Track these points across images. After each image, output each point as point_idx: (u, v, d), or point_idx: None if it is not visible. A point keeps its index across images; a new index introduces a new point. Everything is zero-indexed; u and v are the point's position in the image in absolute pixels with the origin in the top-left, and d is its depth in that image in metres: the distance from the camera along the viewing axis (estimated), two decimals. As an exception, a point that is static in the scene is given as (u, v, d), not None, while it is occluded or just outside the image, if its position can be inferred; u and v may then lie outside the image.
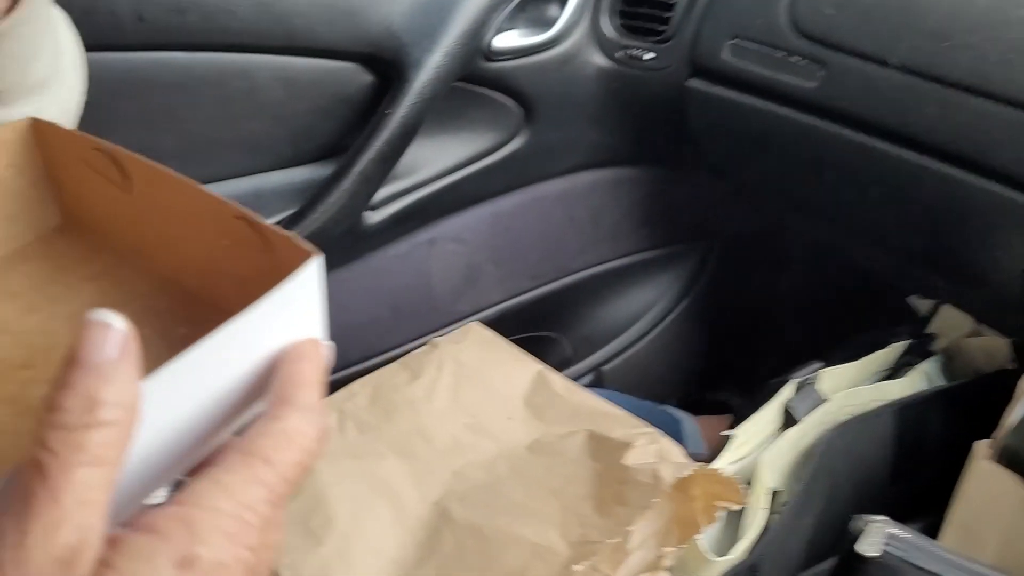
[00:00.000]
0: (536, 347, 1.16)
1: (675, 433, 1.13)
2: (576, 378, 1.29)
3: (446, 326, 1.19)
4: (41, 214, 0.46)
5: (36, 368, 0.39)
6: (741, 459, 0.81)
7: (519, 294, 1.25)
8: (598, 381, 1.32)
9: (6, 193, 0.44)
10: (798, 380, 0.87)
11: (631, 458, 0.72)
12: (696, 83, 1.06)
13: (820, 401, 0.85)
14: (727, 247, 1.34)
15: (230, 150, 0.97)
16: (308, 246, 0.35)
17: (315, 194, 0.98)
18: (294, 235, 0.36)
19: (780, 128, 0.99)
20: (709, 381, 1.42)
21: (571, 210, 1.23)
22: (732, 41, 1.01)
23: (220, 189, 0.97)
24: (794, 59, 0.95)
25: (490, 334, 0.94)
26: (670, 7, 1.06)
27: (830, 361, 0.96)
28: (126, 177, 0.42)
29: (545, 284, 1.26)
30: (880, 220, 0.99)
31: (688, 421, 1.20)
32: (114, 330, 0.27)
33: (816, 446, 0.85)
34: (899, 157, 0.89)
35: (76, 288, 0.43)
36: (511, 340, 0.95)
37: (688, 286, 1.35)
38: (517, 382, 0.87)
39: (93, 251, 0.45)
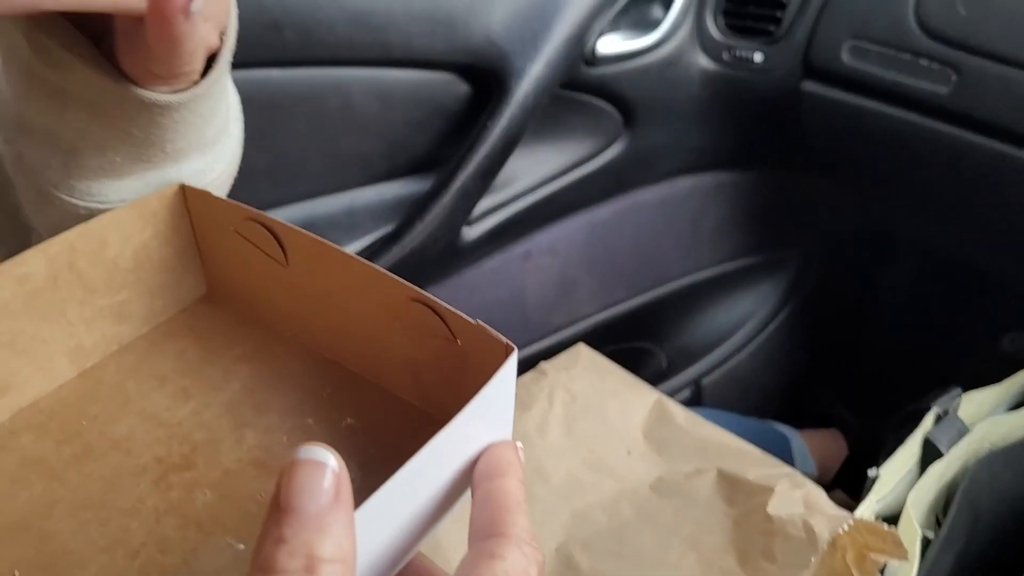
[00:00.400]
0: (631, 359, 1.12)
1: (785, 452, 1.08)
2: (673, 392, 1.24)
3: (540, 339, 1.15)
4: (186, 285, 0.43)
5: (198, 469, 0.36)
6: (883, 498, 0.75)
7: (614, 305, 1.20)
8: (696, 395, 1.27)
9: (152, 265, 0.41)
10: (938, 409, 0.81)
11: (775, 506, 0.67)
12: (811, 86, 0.99)
13: (964, 431, 0.80)
14: (831, 250, 1.27)
15: (323, 166, 0.94)
16: (503, 339, 0.32)
17: (412, 212, 0.94)
18: (485, 325, 0.33)
19: (905, 133, 0.93)
20: (811, 391, 1.36)
21: (669, 216, 1.17)
22: (852, 42, 0.95)
23: (312, 207, 0.94)
24: (923, 62, 0.89)
25: (600, 359, 0.90)
26: (782, 6, 1.00)
27: (965, 381, 0.90)
28: (283, 249, 0.39)
29: (641, 294, 1.21)
30: (1012, 225, 0.92)
31: (796, 439, 1.14)
32: (328, 470, 0.24)
33: (959, 480, 0.79)
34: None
35: (230, 371, 0.40)
36: (605, 352, 0.90)
37: (790, 292, 1.29)
38: (634, 413, 0.83)
39: (242, 326, 0.42)
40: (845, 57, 0.95)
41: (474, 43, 0.90)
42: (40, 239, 0.39)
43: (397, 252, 0.94)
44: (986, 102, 0.85)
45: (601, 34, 0.97)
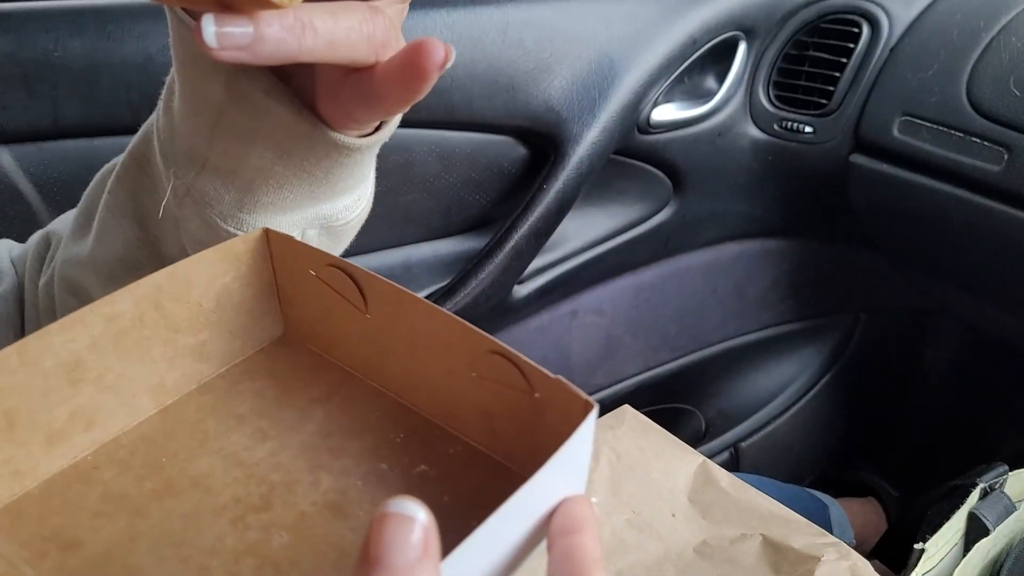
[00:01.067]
0: (671, 420, 1.13)
1: (823, 520, 1.07)
2: (711, 455, 1.24)
3: (582, 398, 1.16)
4: (264, 326, 0.45)
5: (275, 511, 0.37)
6: (928, 571, 0.75)
7: (656, 366, 1.21)
8: (735, 458, 1.27)
9: (232, 306, 0.43)
10: (984, 484, 0.81)
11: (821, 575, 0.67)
12: (860, 159, 1.01)
13: (1011, 508, 0.79)
14: (875, 320, 1.28)
15: (382, 223, 0.96)
16: (584, 395, 0.33)
17: (467, 269, 0.97)
18: (565, 380, 0.34)
19: (955, 209, 0.94)
20: (850, 460, 1.35)
21: (714, 281, 1.19)
22: (903, 118, 0.96)
23: (368, 261, 0.96)
24: (974, 140, 0.90)
25: (645, 420, 0.90)
26: (833, 80, 1.02)
27: (1008, 459, 0.90)
28: (363, 296, 0.40)
29: (683, 356, 1.22)
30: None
31: (835, 507, 1.14)
32: (417, 524, 0.25)
33: (1003, 557, 0.79)
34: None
35: (306, 412, 0.41)
36: (645, 412, 0.91)
37: (832, 360, 1.29)
38: (679, 475, 0.83)
39: (318, 368, 0.44)
40: (896, 132, 0.97)
41: (533, 108, 0.93)
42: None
43: (450, 308, 0.96)
44: (1037, 182, 0.86)
45: (656, 103, 1.00)
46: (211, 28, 0.30)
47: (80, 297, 0.47)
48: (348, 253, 0.99)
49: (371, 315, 0.41)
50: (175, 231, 0.44)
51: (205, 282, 0.41)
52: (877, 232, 1.08)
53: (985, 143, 0.89)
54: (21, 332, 0.51)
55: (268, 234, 0.43)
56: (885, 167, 0.99)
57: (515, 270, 0.98)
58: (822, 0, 1.02)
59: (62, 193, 0.79)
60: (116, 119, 0.79)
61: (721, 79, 1.04)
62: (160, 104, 0.42)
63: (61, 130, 0.77)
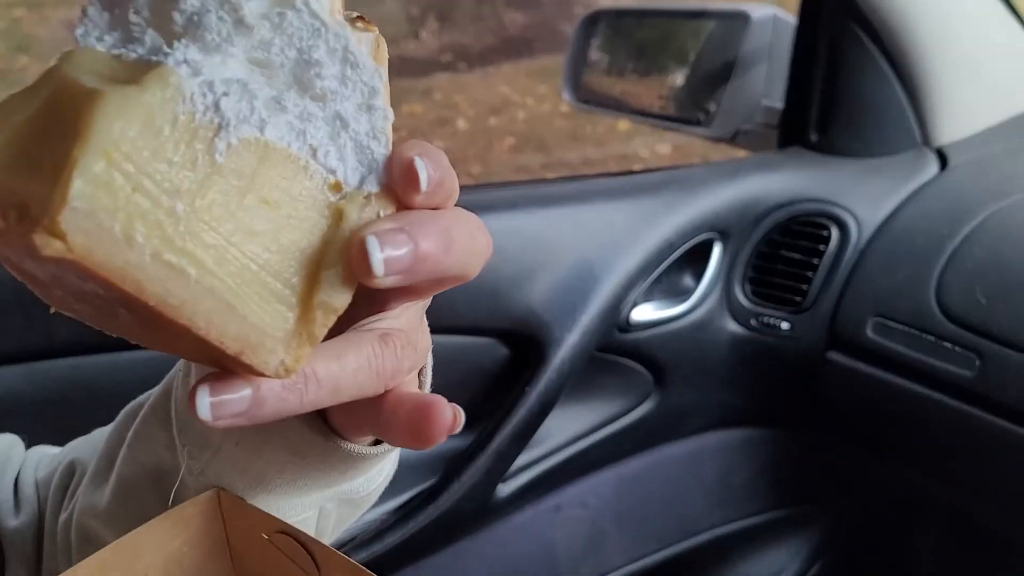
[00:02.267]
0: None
1: None
2: (702, 649, 1.21)
3: (567, 593, 1.14)
4: None
5: None
6: None
7: (642, 557, 1.19)
8: (725, 653, 1.23)
9: (181, 569, 0.43)
10: None
11: None
12: (836, 356, 1.03)
13: None
14: (861, 509, 1.27)
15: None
16: None
17: (449, 471, 0.97)
18: None
19: (931, 411, 0.95)
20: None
21: (699, 471, 1.19)
22: (876, 319, 0.99)
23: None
24: (946, 345, 0.92)
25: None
26: (807, 279, 1.05)
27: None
28: (316, 565, 0.41)
29: (669, 546, 1.21)
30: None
31: None
32: None
33: None
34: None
35: None
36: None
37: (820, 549, 1.27)
38: None
39: None
40: (870, 332, 0.99)
41: (516, 312, 0.95)
42: None
43: (432, 511, 0.95)
44: (1009, 389, 0.88)
45: (635, 304, 1.02)
46: (206, 400, 0.28)
47: (97, 547, 0.47)
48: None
49: None
50: (187, 490, 0.42)
51: (152, 551, 0.41)
52: (857, 426, 1.09)
53: (957, 348, 0.92)
54: (36, 568, 0.50)
55: (220, 494, 0.43)
56: (861, 366, 1.01)
57: (498, 471, 0.98)
58: (792, 204, 1.06)
59: (57, 410, 0.80)
60: (109, 336, 0.80)
61: (698, 278, 1.07)
62: (178, 371, 0.41)
63: (54, 350, 0.79)
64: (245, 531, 0.43)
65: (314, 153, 0.28)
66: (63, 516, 0.48)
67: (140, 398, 0.47)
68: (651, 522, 1.19)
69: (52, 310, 0.29)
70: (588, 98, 1.36)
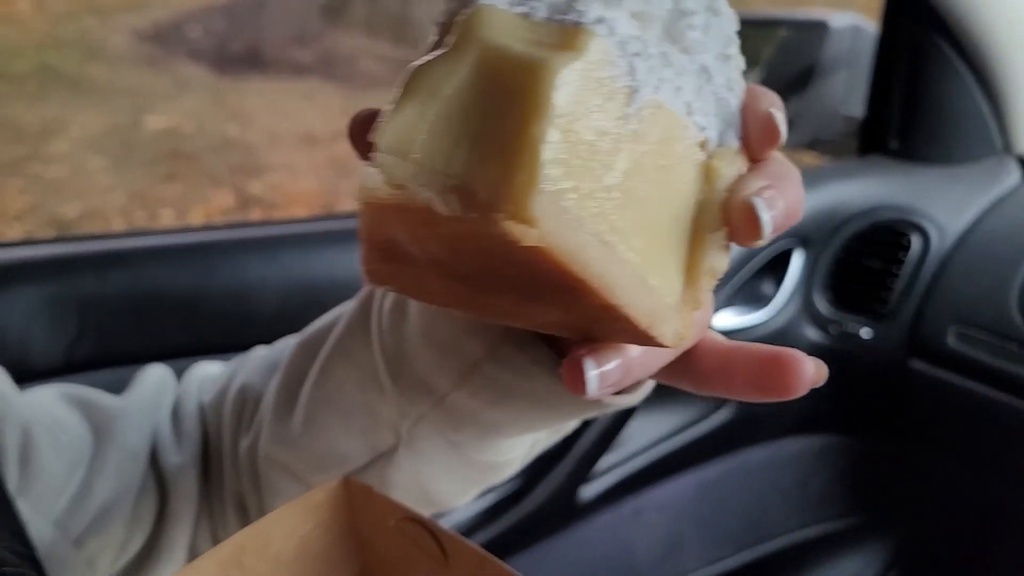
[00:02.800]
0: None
1: None
2: (779, 653, 1.22)
3: (646, 595, 1.16)
4: (343, 571, 0.47)
5: None
6: None
7: (719, 560, 1.21)
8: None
9: (311, 555, 0.45)
10: None
11: None
12: (918, 364, 1.04)
13: None
14: (940, 518, 1.27)
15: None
16: None
17: (534, 472, 0.99)
18: None
19: (1011, 418, 0.95)
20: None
21: (777, 476, 1.20)
22: (958, 327, 0.99)
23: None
24: (1031, 353, 0.93)
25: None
26: (888, 287, 1.06)
27: None
28: (443, 550, 0.42)
29: (746, 550, 1.22)
30: None
31: None
32: None
33: None
34: None
35: None
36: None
37: (896, 556, 1.27)
38: None
39: None
40: (951, 341, 1.00)
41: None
42: (394, 469, 0.42)
43: (518, 512, 0.98)
44: (1097, 397, 0.88)
45: (716, 310, 1.04)
46: (594, 372, 0.28)
47: (290, 476, 0.47)
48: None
49: (450, 569, 0.43)
50: (392, 434, 0.42)
51: (284, 535, 0.43)
52: (938, 433, 1.09)
53: (1042, 356, 0.92)
54: (201, 503, 0.51)
55: (348, 484, 0.45)
56: (943, 373, 1.01)
57: (581, 473, 1.01)
58: (872, 212, 1.07)
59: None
60: (212, 342, 0.84)
61: (778, 285, 1.08)
62: (376, 314, 0.40)
63: (162, 354, 0.83)
64: (373, 518, 0.45)
65: (689, 110, 0.27)
66: (245, 442, 0.48)
67: (314, 327, 0.46)
68: (729, 527, 1.20)
69: (378, 292, 0.28)
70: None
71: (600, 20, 0.24)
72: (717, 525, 1.18)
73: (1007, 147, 1.08)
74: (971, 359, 0.98)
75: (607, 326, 0.27)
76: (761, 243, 0.27)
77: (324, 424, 0.44)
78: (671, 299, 0.27)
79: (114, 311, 0.81)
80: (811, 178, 1.10)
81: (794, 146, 1.22)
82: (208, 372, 0.56)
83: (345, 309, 0.44)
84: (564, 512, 1.03)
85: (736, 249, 1.06)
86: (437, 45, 0.25)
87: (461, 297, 0.28)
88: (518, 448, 0.43)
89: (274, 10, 4.74)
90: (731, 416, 1.12)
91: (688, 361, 0.33)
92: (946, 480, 1.18)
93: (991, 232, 1.03)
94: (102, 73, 3.95)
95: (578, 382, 0.28)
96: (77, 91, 3.66)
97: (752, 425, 1.14)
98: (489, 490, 1.00)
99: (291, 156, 3.22)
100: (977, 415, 1.00)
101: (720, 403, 1.11)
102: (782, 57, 1.29)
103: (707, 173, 0.27)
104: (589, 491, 1.05)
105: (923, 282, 1.04)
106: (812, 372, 0.32)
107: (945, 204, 1.06)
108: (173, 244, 0.86)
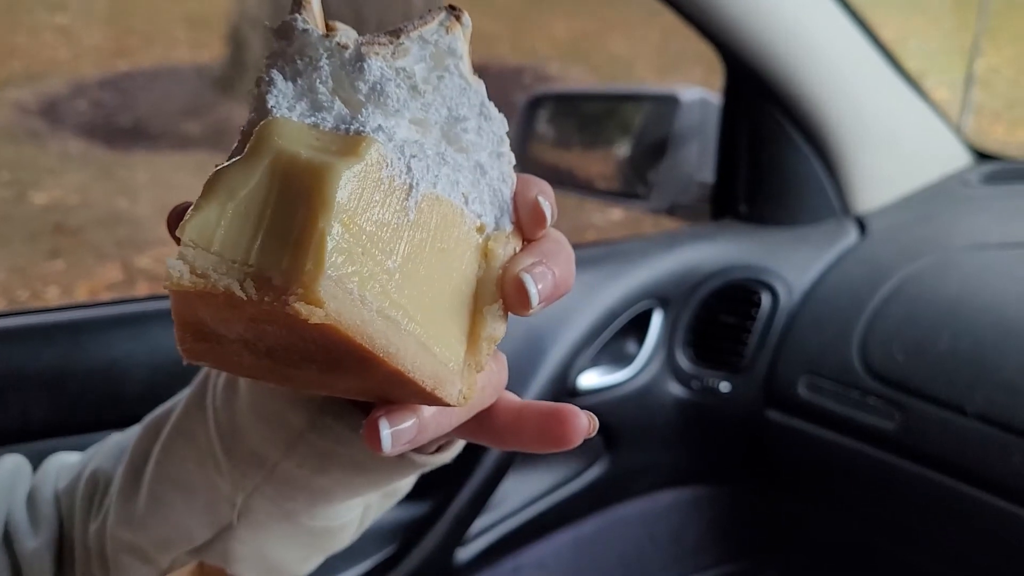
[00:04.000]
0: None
1: None
2: None
3: (529, 655, 1.17)
4: None
5: None
6: None
7: (601, 616, 1.23)
8: None
9: None
10: None
11: None
12: (774, 414, 1.09)
13: None
14: (812, 560, 1.32)
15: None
16: None
17: (409, 536, 1.01)
18: None
19: (860, 462, 1.02)
20: None
21: (652, 529, 1.24)
22: (807, 377, 1.06)
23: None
24: (870, 399, 0.99)
25: None
26: (743, 342, 1.12)
27: None
28: None
29: (627, 604, 1.25)
30: (964, 557, 0.99)
31: None
32: None
33: None
34: (982, 500, 0.91)
35: None
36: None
37: (772, 601, 1.32)
38: None
39: None
40: (802, 390, 1.06)
41: (468, 383, 1.00)
42: (236, 542, 0.44)
43: (394, 577, 0.99)
44: (928, 439, 0.95)
45: (581, 371, 1.08)
46: (387, 431, 0.31)
47: (137, 556, 0.48)
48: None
49: None
50: (230, 509, 0.44)
51: None
52: (798, 480, 1.15)
53: (879, 401, 0.98)
54: None
55: (202, 567, 0.47)
56: (796, 422, 1.07)
57: (456, 535, 1.03)
58: (726, 272, 1.13)
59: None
60: (80, 420, 0.84)
61: (641, 344, 1.13)
62: (211, 392, 0.43)
63: (28, 433, 0.82)
64: None
65: (466, 201, 0.31)
66: (94, 525, 0.50)
67: (158, 411, 0.49)
68: (608, 581, 1.23)
69: (187, 363, 0.31)
70: (534, 174, 1.43)
71: (379, 128, 0.29)
72: (597, 580, 1.21)
73: (845, 209, 1.17)
74: (820, 407, 1.04)
75: (399, 390, 0.31)
76: (531, 313, 0.32)
77: (167, 502, 0.46)
78: (454, 364, 0.31)
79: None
80: (669, 241, 1.17)
81: (654, 211, 1.29)
82: (65, 461, 0.57)
83: (185, 391, 0.47)
84: (442, 575, 1.04)
85: (600, 309, 1.10)
86: (238, 151, 0.29)
87: (270, 370, 0.31)
88: (351, 512, 0.45)
89: (164, 83, 4.72)
90: (603, 472, 1.15)
91: (486, 419, 0.37)
92: (809, 524, 1.24)
93: (833, 288, 1.10)
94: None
95: (375, 440, 0.32)
96: (-43, 166, 3.57)
97: (624, 480, 1.18)
98: (363, 557, 1.01)
99: (182, 228, 3.17)
100: (828, 460, 1.06)
101: (592, 460, 1.15)
102: (645, 129, 1.37)
103: (484, 253, 0.32)
104: (466, 553, 1.07)
105: (774, 336, 1.11)
106: (585, 424, 0.35)
107: (791, 263, 1.13)
108: (37, 323, 0.86)
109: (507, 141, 0.33)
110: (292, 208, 0.26)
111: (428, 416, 0.33)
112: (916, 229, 1.12)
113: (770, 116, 1.12)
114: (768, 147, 1.15)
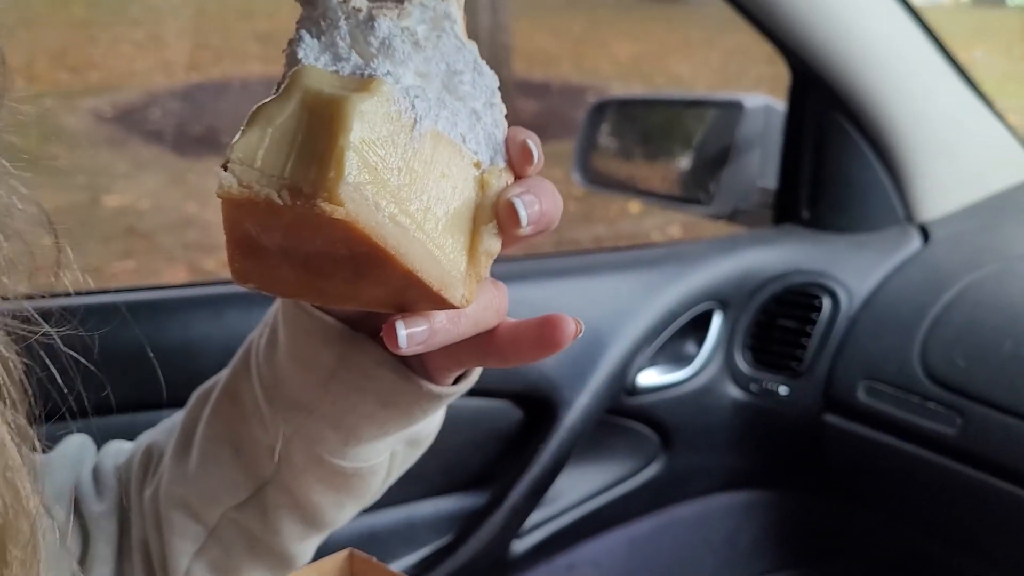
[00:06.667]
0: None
1: None
2: None
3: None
4: None
5: None
6: None
7: (654, 616, 1.24)
8: None
9: None
10: None
11: None
12: (832, 418, 1.10)
13: None
14: (867, 568, 1.31)
15: (389, 481, 1.04)
16: None
17: (466, 526, 1.03)
18: None
19: (919, 468, 1.01)
20: None
21: (706, 532, 1.24)
22: (866, 382, 1.06)
23: (373, 519, 1.02)
24: (930, 405, 0.99)
25: None
26: (802, 346, 1.12)
27: None
28: None
29: (680, 607, 1.25)
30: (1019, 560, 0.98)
31: None
32: None
33: None
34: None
35: None
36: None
37: (825, 610, 1.31)
38: None
39: None
40: (861, 395, 1.06)
41: (529, 376, 1.02)
42: (276, 491, 0.49)
43: (450, 565, 1.01)
44: (989, 444, 0.94)
45: (640, 369, 1.10)
46: (403, 332, 0.37)
47: (187, 512, 0.53)
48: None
49: None
50: (270, 458, 0.50)
51: None
52: (854, 485, 1.15)
53: (940, 407, 0.98)
54: (119, 549, 0.57)
55: (352, 555, 0.49)
56: (855, 427, 1.07)
57: (513, 527, 1.04)
58: (786, 276, 1.14)
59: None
60: (156, 397, 0.88)
61: (700, 345, 1.14)
62: (255, 353, 0.49)
63: (107, 408, 0.86)
64: None
65: (463, 139, 0.37)
66: (148, 492, 0.56)
67: (205, 385, 0.55)
68: (662, 582, 1.23)
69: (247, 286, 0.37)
70: (596, 179, 1.46)
71: (388, 73, 0.35)
72: (650, 580, 1.22)
73: (909, 216, 1.17)
74: (879, 412, 1.04)
75: (413, 295, 0.36)
76: (521, 233, 0.37)
77: (216, 456, 0.52)
78: (456, 272, 0.36)
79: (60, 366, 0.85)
80: (730, 244, 1.18)
81: (716, 216, 1.30)
82: (121, 446, 0.64)
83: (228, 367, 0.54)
84: (497, 566, 1.06)
85: (660, 309, 1.12)
86: (275, 93, 0.35)
87: (306, 286, 0.37)
88: (379, 456, 0.50)
89: (234, 95, 4.84)
90: (659, 472, 1.16)
91: (490, 341, 0.42)
92: (865, 531, 1.23)
93: (895, 294, 1.10)
94: (61, 153, 4.00)
95: (392, 339, 0.37)
96: (37, 168, 3.70)
97: (680, 481, 1.19)
98: (422, 543, 1.03)
99: (248, 234, 3.25)
100: (886, 466, 1.06)
101: (649, 460, 1.16)
102: (708, 135, 1.38)
103: (481, 184, 0.38)
104: (521, 546, 1.08)
105: (834, 341, 1.11)
106: (573, 327, 0.40)
107: (853, 269, 1.14)
108: (120, 302, 0.90)
109: (498, 94, 0.39)
110: (318, 132, 0.32)
111: (438, 324, 0.38)
112: (980, 237, 1.12)
113: (835, 122, 1.13)
114: (832, 153, 1.16)
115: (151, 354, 0.88)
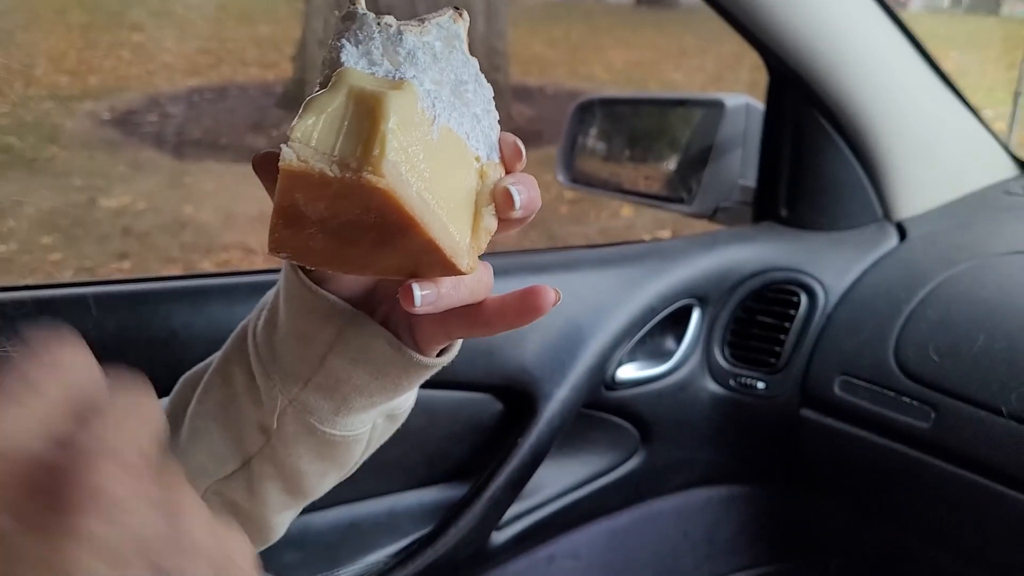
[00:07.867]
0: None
1: None
2: None
3: (561, 644, 1.19)
4: None
5: None
6: None
7: (634, 610, 1.25)
8: None
9: None
10: None
11: None
12: (809, 413, 1.11)
13: None
14: (844, 562, 1.33)
15: (370, 473, 1.04)
16: None
17: (446, 517, 1.04)
18: None
19: (894, 461, 1.02)
20: None
21: (686, 526, 1.25)
22: (842, 377, 1.07)
23: (357, 509, 1.04)
24: (905, 399, 1.00)
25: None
26: (779, 341, 1.14)
27: None
28: None
29: (660, 601, 1.26)
30: (997, 557, 0.99)
31: None
32: None
33: None
34: (1016, 500, 0.91)
35: None
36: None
37: (806, 605, 1.33)
38: None
39: None
40: (837, 390, 1.07)
41: (509, 370, 1.04)
42: (262, 462, 0.53)
43: (431, 555, 1.02)
44: (963, 438, 0.95)
45: (620, 364, 1.11)
46: (418, 292, 0.43)
47: None
48: (337, 502, 1.06)
49: None
50: (260, 433, 0.54)
51: None
52: (831, 480, 1.16)
53: (914, 402, 1.00)
54: None
55: None
56: (831, 421, 1.09)
57: (492, 518, 1.06)
58: (764, 273, 1.16)
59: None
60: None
61: (679, 340, 1.16)
62: (252, 334, 0.54)
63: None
64: None
65: (468, 137, 0.44)
66: None
67: (193, 370, 0.60)
68: (641, 575, 1.25)
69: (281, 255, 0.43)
70: (580, 179, 1.47)
71: (413, 77, 0.43)
72: (629, 573, 1.23)
73: (886, 214, 1.18)
74: (855, 407, 1.06)
75: (427, 261, 0.42)
76: (514, 215, 0.44)
77: (206, 431, 0.56)
78: (464, 244, 0.43)
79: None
80: (709, 242, 1.20)
81: (697, 215, 1.32)
82: None
83: (215, 355, 0.58)
84: (477, 556, 1.07)
85: (640, 305, 1.14)
86: (321, 87, 0.42)
87: (333, 253, 0.43)
88: (363, 426, 0.54)
89: (232, 99, 4.86)
90: (638, 466, 1.18)
91: (479, 312, 0.48)
92: (844, 524, 1.25)
93: (871, 290, 1.12)
94: (59, 154, 4.02)
95: (408, 297, 0.44)
96: (31, 169, 3.72)
97: (659, 475, 1.20)
98: (403, 534, 1.04)
99: (244, 235, 3.28)
100: (862, 460, 1.07)
101: (628, 454, 1.18)
102: (690, 135, 1.40)
103: (480, 174, 0.45)
104: (501, 537, 1.10)
105: (811, 337, 1.12)
106: (552, 295, 0.47)
107: (830, 266, 1.15)
108: (100, 293, 0.92)
109: (493, 102, 0.46)
110: (362, 119, 0.39)
111: (444, 289, 0.44)
112: (956, 235, 1.13)
113: (813, 121, 1.15)
114: (811, 152, 1.17)
115: (134, 345, 0.89)
